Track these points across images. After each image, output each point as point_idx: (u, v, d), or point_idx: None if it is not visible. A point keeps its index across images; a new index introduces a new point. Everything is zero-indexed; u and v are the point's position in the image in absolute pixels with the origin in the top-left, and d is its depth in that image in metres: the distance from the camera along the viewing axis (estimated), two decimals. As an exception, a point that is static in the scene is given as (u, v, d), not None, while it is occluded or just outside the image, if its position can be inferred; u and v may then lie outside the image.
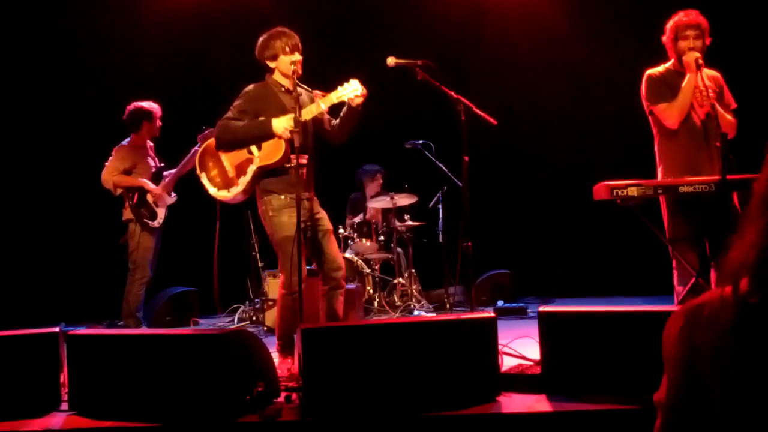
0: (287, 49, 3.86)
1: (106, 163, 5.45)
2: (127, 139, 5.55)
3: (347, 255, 6.34)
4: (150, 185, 5.46)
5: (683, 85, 3.85)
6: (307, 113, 3.82)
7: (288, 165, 3.78)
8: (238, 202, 4.07)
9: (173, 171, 5.62)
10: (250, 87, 3.96)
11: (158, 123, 5.59)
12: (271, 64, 3.94)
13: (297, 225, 3.56)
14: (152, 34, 7.17)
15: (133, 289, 5.43)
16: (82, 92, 7.11)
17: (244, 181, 3.89)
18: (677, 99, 3.86)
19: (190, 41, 7.28)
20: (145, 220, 5.42)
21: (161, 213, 5.51)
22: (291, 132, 3.65)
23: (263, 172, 3.87)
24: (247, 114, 3.87)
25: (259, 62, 3.98)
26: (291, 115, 3.72)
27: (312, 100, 3.94)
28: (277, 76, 3.96)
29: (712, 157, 3.83)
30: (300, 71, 3.87)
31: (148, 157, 5.60)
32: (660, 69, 4.02)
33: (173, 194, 5.63)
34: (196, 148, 5.49)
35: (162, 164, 5.66)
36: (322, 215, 4.00)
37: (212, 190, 3.98)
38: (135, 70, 7.09)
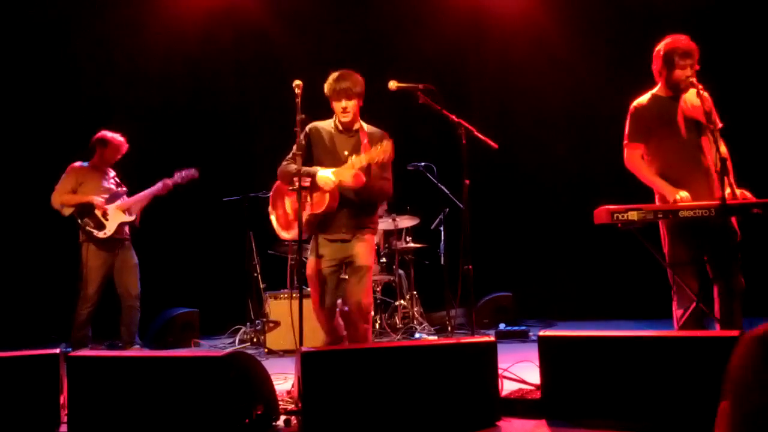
0: (333, 94, 3.86)
1: (56, 186, 5.56)
2: (89, 162, 5.70)
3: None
4: (96, 199, 5.51)
5: (655, 181, 3.79)
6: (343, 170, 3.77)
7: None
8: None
9: (141, 194, 5.68)
10: (312, 125, 4.00)
11: (114, 153, 5.69)
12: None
13: (298, 248, 3.59)
14: (153, 58, 7.24)
15: (77, 308, 5.48)
16: (85, 118, 7.15)
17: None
18: (645, 177, 3.84)
19: (190, 65, 7.34)
20: (89, 228, 5.46)
21: (111, 226, 5.52)
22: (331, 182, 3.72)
23: (315, 217, 3.91)
24: (304, 153, 3.88)
25: None
26: (337, 169, 3.75)
27: (372, 143, 3.84)
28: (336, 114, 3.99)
29: (708, 175, 3.73)
30: (346, 119, 3.88)
31: (103, 180, 5.68)
32: (647, 98, 3.89)
33: (132, 214, 5.65)
34: (162, 182, 5.62)
35: (120, 189, 5.72)
36: (353, 258, 3.95)
37: (277, 229, 4.13)
38: (134, 101, 7.16)
